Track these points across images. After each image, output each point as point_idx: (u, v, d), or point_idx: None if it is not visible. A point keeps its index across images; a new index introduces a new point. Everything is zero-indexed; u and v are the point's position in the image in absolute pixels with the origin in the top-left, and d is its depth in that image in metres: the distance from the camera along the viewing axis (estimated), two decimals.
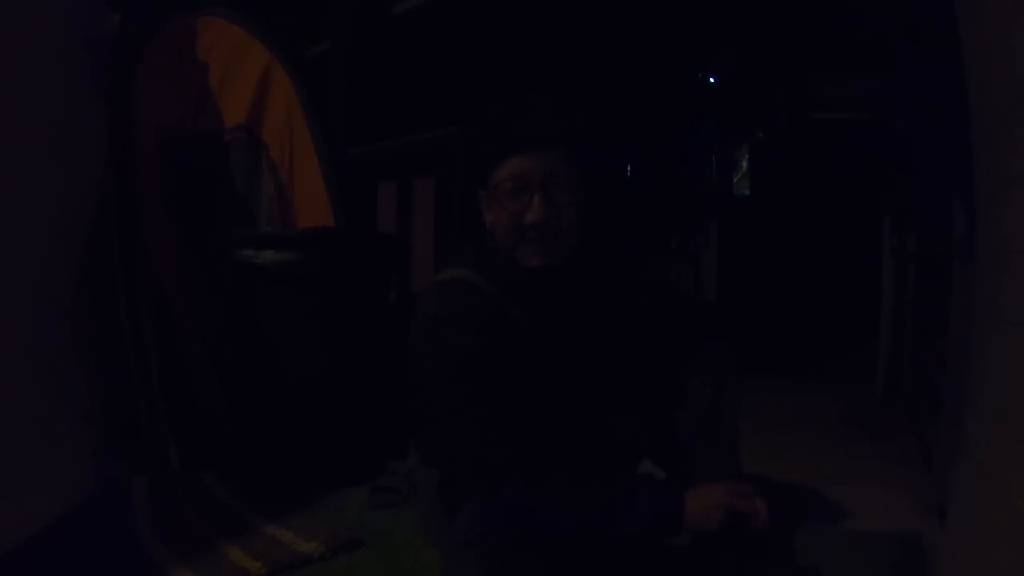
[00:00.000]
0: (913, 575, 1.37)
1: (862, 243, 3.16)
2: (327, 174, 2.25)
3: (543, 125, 1.13)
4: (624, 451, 1.31)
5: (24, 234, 1.53)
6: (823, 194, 4.68)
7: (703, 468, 1.25)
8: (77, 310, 1.79)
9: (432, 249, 3.16)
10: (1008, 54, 1.00)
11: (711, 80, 6.15)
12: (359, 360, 2.06)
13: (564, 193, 1.12)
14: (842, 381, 3.15)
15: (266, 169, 2.29)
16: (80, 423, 1.77)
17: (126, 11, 2.15)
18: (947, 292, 1.84)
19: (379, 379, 2.07)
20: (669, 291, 1.33)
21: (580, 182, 1.14)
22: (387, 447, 1.87)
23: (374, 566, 1.46)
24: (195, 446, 2.16)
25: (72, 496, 1.65)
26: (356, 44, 3.69)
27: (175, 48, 2.31)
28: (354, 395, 2.05)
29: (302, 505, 1.79)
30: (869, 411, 2.73)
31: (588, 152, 1.17)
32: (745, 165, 6.58)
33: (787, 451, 2.19)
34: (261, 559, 1.46)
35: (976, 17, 1.18)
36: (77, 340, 1.79)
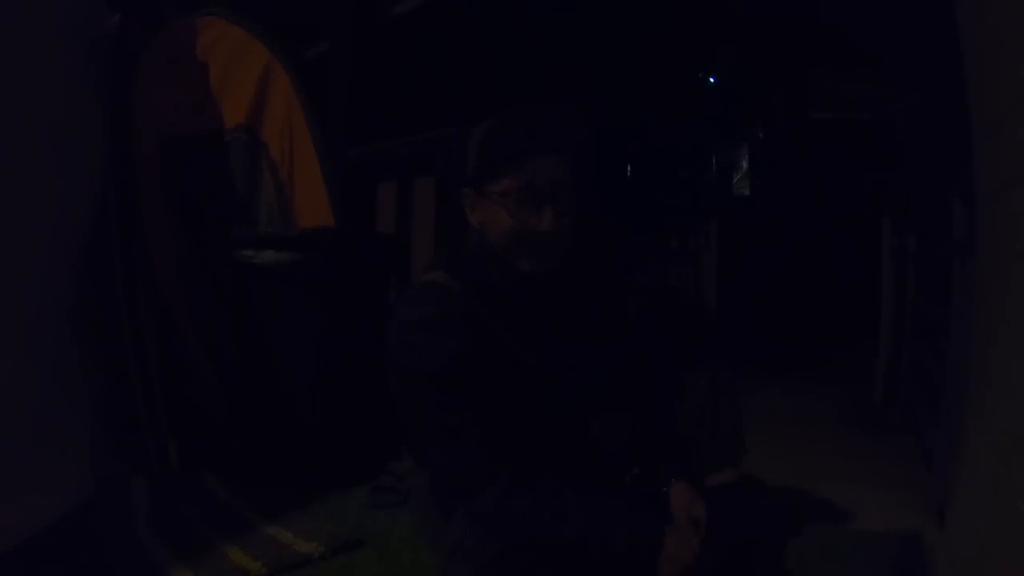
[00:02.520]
0: (913, 575, 1.37)
1: (862, 243, 3.16)
2: (327, 174, 2.25)
3: (554, 134, 1.13)
4: (609, 457, 1.29)
5: (23, 234, 1.53)
6: (823, 194, 4.69)
7: (707, 461, 1.26)
8: (77, 310, 1.79)
9: (432, 249, 3.16)
10: (1008, 54, 1.00)
11: (711, 80, 6.16)
12: (359, 360, 2.06)
13: (568, 203, 1.13)
14: (842, 381, 3.15)
15: (266, 169, 2.29)
16: (80, 423, 1.77)
17: (126, 11, 2.15)
18: (947, 292, 1.84)
19: (379, 379, 2.07)
20: (660, 290, 1.34)
21: (576, 189, 1.15)
22: (386, 447, 1.87)
23: (374, 566, 1.46)
24: (195, 446, 2.16)
25: (72, 496, 1.64)
26: (356, 44, 3.69)
27: (175, 48, 2.30)
28: (354, 395, 2.05)
29: (302, 505, 1.79)
30: (869, 411, 2.74)
31: (585, 160, 1.18)
32: (745, 165, 6.58)
33: (787, 451, 2.19)
34: (261, 559, 1.46)
35: (976, 17, 1.18)
36: (77, 340, 1.79)
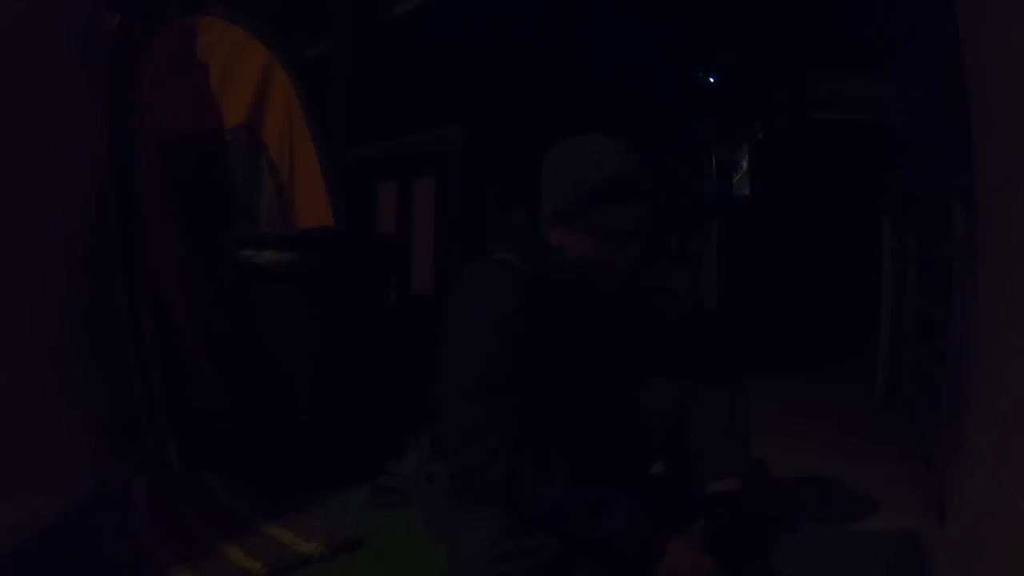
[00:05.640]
0: (913, 575, 1.37)
1: (862, 243, 3.16)
2: (327, 174, 2.25)
3: (649, 179, 1.25)
4: (643, 443, 1.36)
5: (24, 234, 1.53)
6: (823, 194, 4.68)
7: (714, 467, 1.31)
8: (77, 310, 1.79)
9: (432, 249, 3.16)
10: (1008, 54, 1.00)
11: (711, 80, 6.16)
12: (359, 360, 2.07)
13: (646, 238, 1.26)
14: (842, 381, 3.15)
15: (266, 169, 2.29)
16: (80, 423, 1.77)
17: (126, 11, 2.15)
18: (947, 292, 1.84)
19: (379, 379, 2.07)
20: (680, 294, 1.41)
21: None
22: (386, 447, 1.87)
23: (374, 566, 1.46)
24: (195, 446, 2.16)
25: (72, 496, 1.64)
26: (356, 44, 3.69)
27: (175, 48, 2.30)
28: (354, 395, 2.05)
29: (302, 505, 1.79)
30: (869, 411, 2.74)
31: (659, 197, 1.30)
32: (745, 165, 6.58)
33: (787, 451, 2.19)
34: (261, 559, 1.46)
35: (976, 17, 1.18)
36: (77, 340, 1.79)
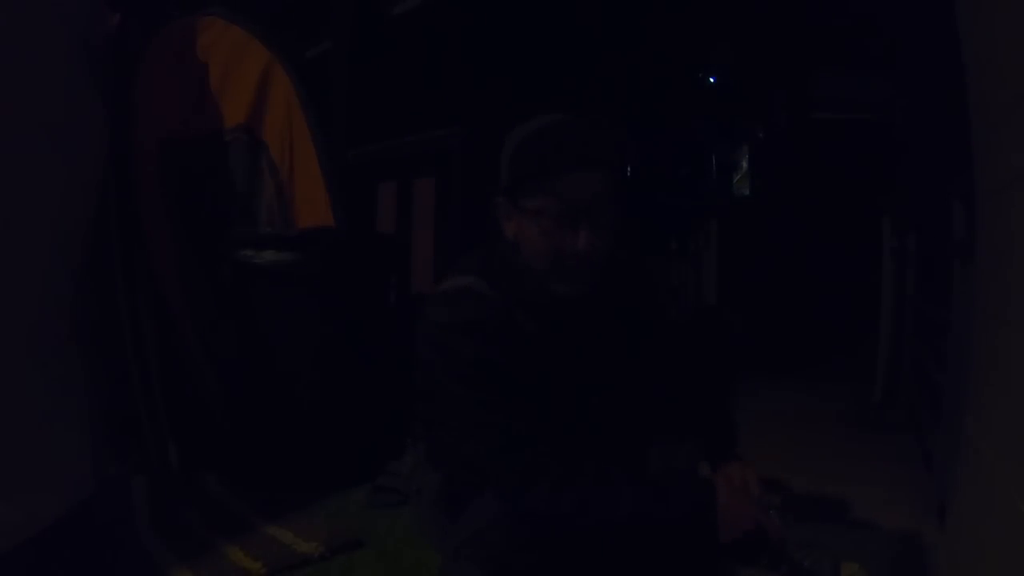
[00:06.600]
0: (913, 575, 1.37)
1: (862, 243, 3.16)
2: (327, 174, 2.25)
3: (590, 149, 1.06)
4: (637, 462, 1.31)
5: (23, 234, 1.53)
6: (823, 194, 4.69)
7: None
8: (77, 310, 1.79)
9: (432, 249, 3.17)
10: (1008, 54, 1.00)
11: (711, 80, 6.16)
12: (359, 360, 2.06)
13: (605, 220, 1.07)
14: (842, 381, 3.15)
15: (266, 169, 2.29)
16: (80, 423, 1.77)
17: (126, 11, 2.15)
18: (947, 292, 1.84)
19: (379, 379, 2.07)
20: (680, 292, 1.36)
21: (616, 203, 1.10)
22: (386, 447, 1.87)
23: (374, 566, 1.46)
24: (195, 446, 2.16)
25: (72, 496, 1.64)
26: (356, 44, 3.70)
27: (175, 48, 2.30)
28: (354, 395, 2.05)
29: (302, 505, 1.79)
30: (869, 411, 2.74)
31: (623, 171, 1.15)
32: (745, 165, 6.59)
33: (787, 451, 2.19)
34: (261, 559, 1.46)
35: (976, 16, 1.18)
36: (77, 340, 1.79)
